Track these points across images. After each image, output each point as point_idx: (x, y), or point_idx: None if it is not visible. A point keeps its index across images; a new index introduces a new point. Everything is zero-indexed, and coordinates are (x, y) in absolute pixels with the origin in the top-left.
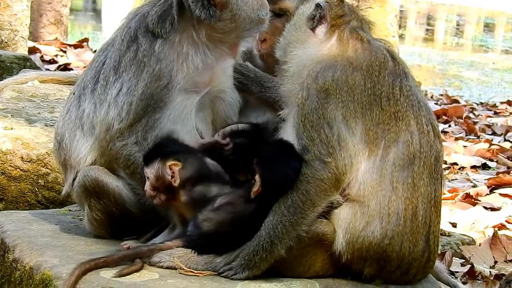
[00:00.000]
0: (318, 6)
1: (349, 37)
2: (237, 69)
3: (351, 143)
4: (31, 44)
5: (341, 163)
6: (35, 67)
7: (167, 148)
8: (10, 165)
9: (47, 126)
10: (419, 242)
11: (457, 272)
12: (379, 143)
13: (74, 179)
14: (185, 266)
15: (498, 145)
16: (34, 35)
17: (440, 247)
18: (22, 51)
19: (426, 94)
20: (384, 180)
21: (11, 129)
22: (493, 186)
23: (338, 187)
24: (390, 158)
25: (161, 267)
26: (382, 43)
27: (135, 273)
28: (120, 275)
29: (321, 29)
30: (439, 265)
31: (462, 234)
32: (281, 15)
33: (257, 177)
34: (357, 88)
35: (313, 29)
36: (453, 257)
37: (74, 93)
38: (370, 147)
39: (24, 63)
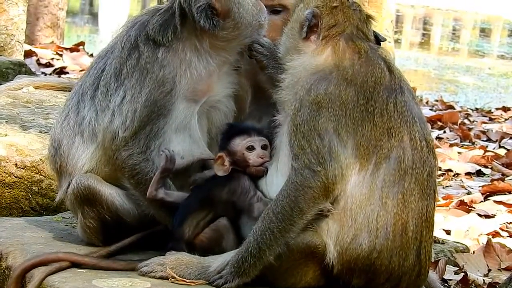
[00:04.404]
0: (308, 15)
1: (345, 47)
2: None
3: (342, 155)
4: (27, 47)
5: (331, 174)
6: (30, 72)
7: None
8: (4, 172)
9: (41, 132)
10: (410, 257)
11: (450, 280)
12: (370, 159)
13: (68, 186)
14: (177, 276)
15: (493, 152)
16: (30, 38)
17: (433, 255)
18: (18, 55)
19: (421, 100)
20: (373, 195)
21: (6, 135)
22: (487, 193)
23: (328, 196)
24: (381, 174)
25: (154, 277)
26: (379, 52)
27: (127, 282)
28: None
29: (315, 38)
30: (431, 275)
31: (456, 242)
32: (279, 11)
33: None
34: (350, 103)
35: (307, 38)
36: (447, 265)
37: (72, 100)
38: (361, 162)
39: (19, 68)
